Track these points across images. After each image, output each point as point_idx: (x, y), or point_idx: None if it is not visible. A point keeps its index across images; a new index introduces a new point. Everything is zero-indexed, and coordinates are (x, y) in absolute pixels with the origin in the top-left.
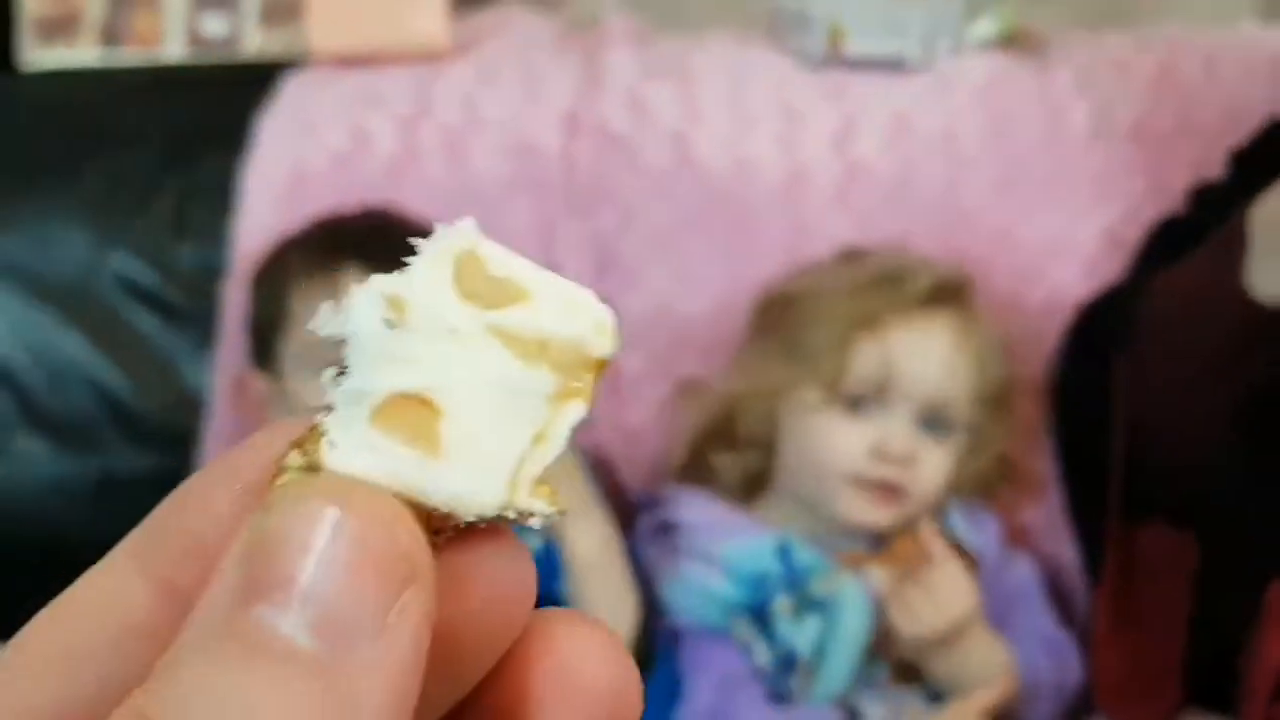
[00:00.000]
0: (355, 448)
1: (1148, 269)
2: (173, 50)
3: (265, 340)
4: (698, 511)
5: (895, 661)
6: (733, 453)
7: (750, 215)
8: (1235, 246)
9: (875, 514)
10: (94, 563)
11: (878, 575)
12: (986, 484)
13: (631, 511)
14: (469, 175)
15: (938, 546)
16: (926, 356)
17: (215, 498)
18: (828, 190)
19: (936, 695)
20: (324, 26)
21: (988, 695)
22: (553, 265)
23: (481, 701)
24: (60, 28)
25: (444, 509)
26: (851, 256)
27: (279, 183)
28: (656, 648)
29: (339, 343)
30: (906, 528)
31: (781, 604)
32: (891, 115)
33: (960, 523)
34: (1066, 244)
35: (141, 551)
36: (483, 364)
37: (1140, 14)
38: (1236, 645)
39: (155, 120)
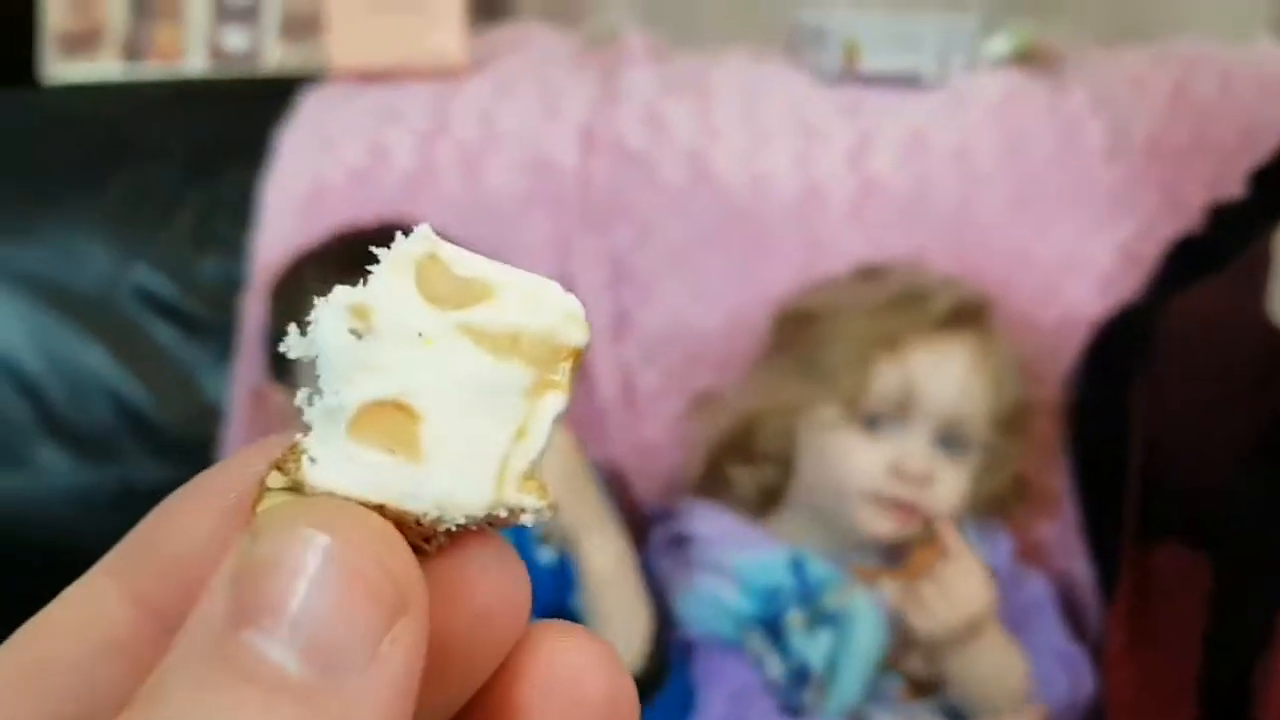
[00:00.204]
0: (336, 461)
1: (1165, 289)
2: (194, 64)
3: (283, 353)
4: (711, 524)
5: (909, 675)
6: (749, 467)
7: (766, 231)
8: (1258, 272)
9: (893, 527)
10: None
11: (891, 589)
12: (1001, 502)
13: (645, 525)
14: (486, 190)
15: (954, 542)
16: (946, 377)
17: (195, 517)
18: (843, 206)
19: (951, 710)
20: (344, 42)
21: None
22: (568, 280)
23: (477, 714)
24: (82, 42)
25: (432, 514)
26: (870, 274)
27: (298, 197)
28: (670, 660)
29: (310, 363)
30: (923, 540)
31: (794, 617)
32: (907, 132)
33: (974, 540)
34: (1081, 261)
35: (120, 569)
36: (455, 364)
37: (1156, 31)
38: (1251, 665)
39: (177, 134)
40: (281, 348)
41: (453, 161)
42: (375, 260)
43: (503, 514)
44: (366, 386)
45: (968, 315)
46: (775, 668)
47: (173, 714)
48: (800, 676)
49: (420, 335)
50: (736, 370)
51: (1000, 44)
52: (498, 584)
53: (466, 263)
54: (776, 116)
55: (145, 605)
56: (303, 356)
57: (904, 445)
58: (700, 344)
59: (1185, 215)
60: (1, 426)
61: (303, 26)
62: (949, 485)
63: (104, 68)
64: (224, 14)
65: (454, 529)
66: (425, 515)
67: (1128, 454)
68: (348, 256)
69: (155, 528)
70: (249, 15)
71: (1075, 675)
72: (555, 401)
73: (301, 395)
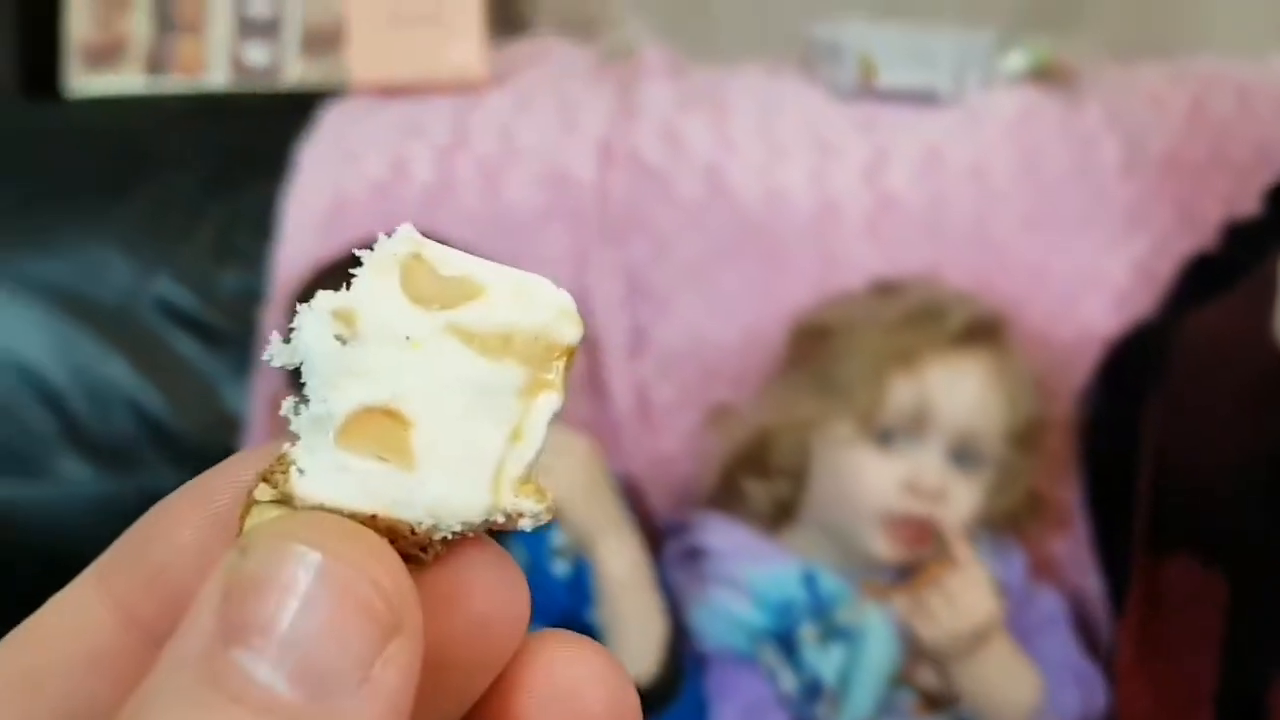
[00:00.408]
0: (325, 472)
1: (1180, 307)
2: (216, 79)
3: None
4: (725, 537)
5: (921, 689)
6: (764, 481)
7: (782, 246)
8: (1267, 294)
9: (903, 552)
10: None
11: (901, 603)
12: (1014, 518)
13: (659, 538)
14: (504, 204)
15: (964, 553)
16: (961, 393)
17: (181, 527)
18: (859, 222)
19: None
20: (364, 57)
21: None
22: (585, 293)
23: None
24: (106, 55)
25: (427, 522)
26: (885, 289)
27: (319, 210)
28: (685, 670)
29: (295, 372)
30: (935, 557)
31: (807, 631)
32: (923, 148)
33: (988, 556)
34: (1097, 277)
35: (106, 577)
36: (445, 367)
37: (1173, 48)
38: (1267, 680)
39: (198, 147)
40: (265, 357)
41: (472, 175)
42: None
43: (500, 519)
44: (354, 393)
45: (983, 331)
46: (788, 681)
47: None
48: (813, 690)
49: (408, 338)
50: (752, 384)
51: (1016, 60)
52: (496, 592)
53: (453, 261)
54: (792, 132)
55: (131, 615)
56: (286, 365)
57: (918, 461)
58: (716, 358)
59: (1201, 232)
60: (23, 436)
61: (323, 41)
62: (963, 501)
63: (127, 81)
64: (246, 29)
65: (450, 537)
66: (420, 524)
67: (1138, 469)
68: None
69: (142, 537)
70: (270, 30)
71: (1088, 690)
72: (550, 401)
73: (287, 405)
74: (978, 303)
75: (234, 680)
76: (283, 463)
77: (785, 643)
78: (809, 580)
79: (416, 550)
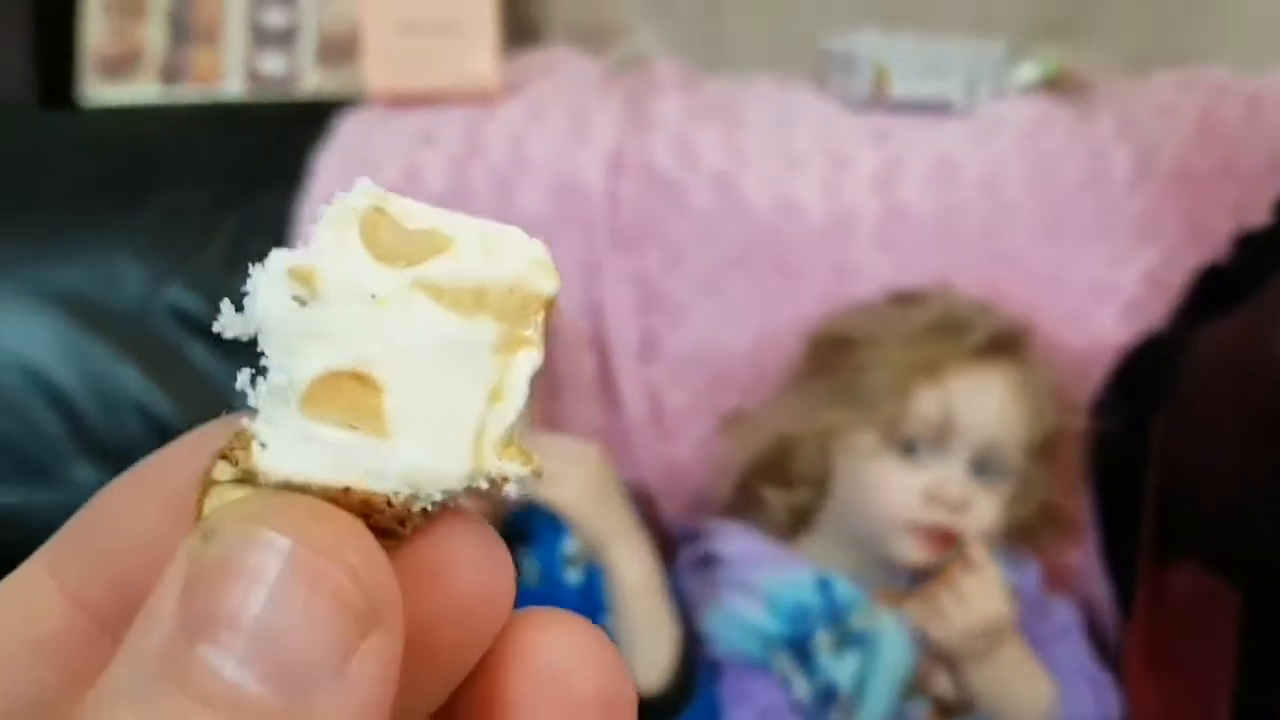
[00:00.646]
0: (290, 444)
1: (1191, 318)
2: (231, 88)
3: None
4: (739, 544)
5: (936, 698)
6: (782, 489)
7: (793, 255)
8: (1274, 310)
9: (927, 556)
10: None
11: (914, 609)
12: (1030, 529)
13: (671, 546)
14: (517, 213)
15: (979, 553)
16: (984, 405)
17: (132, 510)
18: (871, 231)
19: None
20: (379, 67)
21: None
22: (598, 300)
23: (463, 705)
24: (121, 65)
25: (405, 493)
26: (906, 300)
27: None
28: (698, 675)
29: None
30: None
31: (822, 638)
32: (935, 158)
33: (1003, 566)
34: (1108, 287)
35: (55, 562)
36: (415, 326)
37: (1184, 58)
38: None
39: (214, 156)
40: (215, 327)
41: (485, 184)
42: None
43: (483, 485)
44: (317, 358)
45: (1006, 344)
46: (802, 688)
47: None
48: (827, 697)
49: (373, 297)
50: (763, 392)
51: (1028, 71)
52: (478, 567)
53: (416, 214)
54: (805, 142)
55: (79, 600)
56: (240, 335)
57: (941, 472)
58: (728, 365)
59: (1211, 242)
60: (36, 442)
61: (338, 52)
62: (984, 512)
63: (142, 91)
64: (261, 38)
65: (430, 508)
66: (397, 495)
67: (1147, 478)
68: None
69: (91, 519)
70: (286, 40)
71: (1102, 697)
72: (529, 357)
73: (243, 376)
74: (1000, 315)
75: (199, 677)
76: (242, 438)
77: (799, 649)
78: (824, 587)
79: (394, 524)
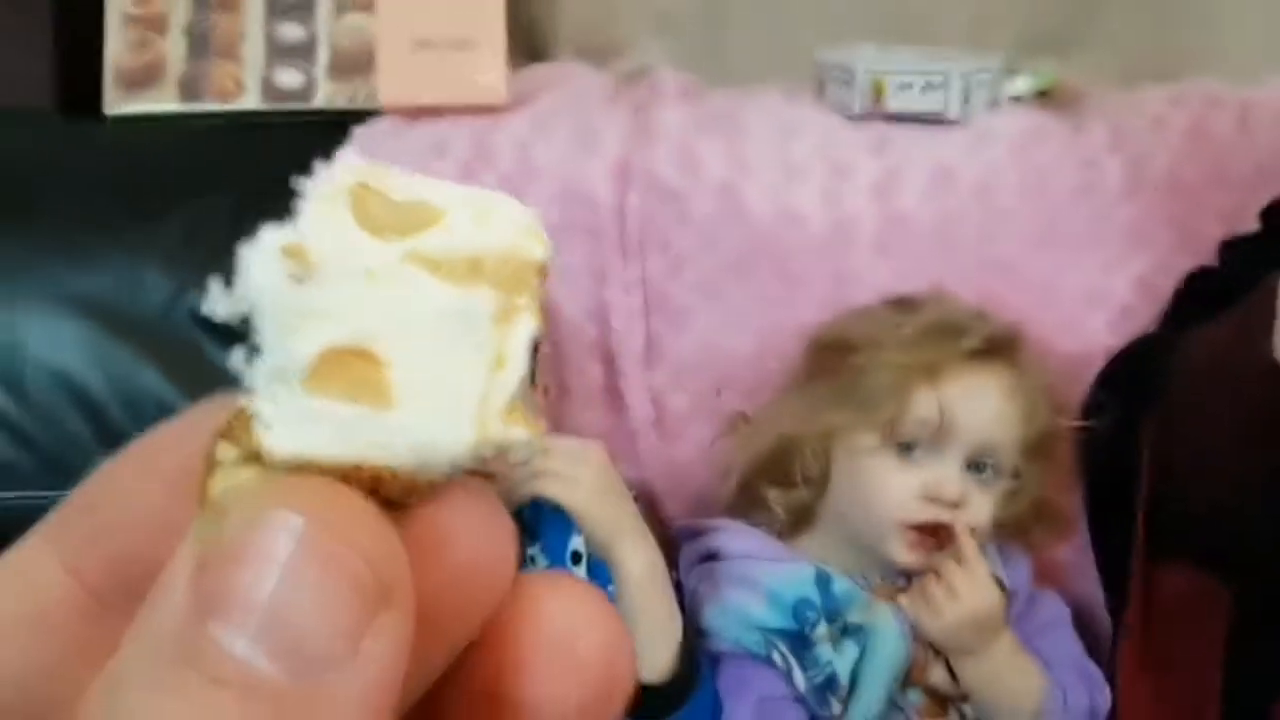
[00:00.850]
0: (294, 422)
1: (1178, 320)
2: (249, 103)
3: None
4: (740, 541)
5: (930, 690)
6: (784, 489)
7: (794, 262)
8: (1265, 313)
9: (920, 559)
10: None
11: (909, 601)
12: (1021, 526)
13: (673, 546)
14: None
15: (969, 548)
16: (980, 406)
17: (134, 487)
18: (869, 239)
19: None
20: (392, 81)
21: None
22: (604, 306)
23: (467, 672)
24: (143, 79)
25: (412, 465)
26: (904, 305)
27: None
28: (700, 667)
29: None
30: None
31: (821, 631)
32: (932, 168)
33: (996, 562)
34: (1100, 294)
35: (55, 537)
36: (412, 298)
37: (1175, 71)
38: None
39: (233, 166)
40: (204, 309)
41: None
42: None
43: (489, 453)
44: (317, 335)
45: (1001, 346)
46: (801, 680)
47: (127, 718)
48: (825, 688)
49: (368, 271)
50: (764, 395)
51: (1022, 84)
52: (482, 536)
53: (404, 186)
54: (805, 152)
55: (79, 577)
56: (231, 316)
57: (938, 471)
58: (730, 369)
59: (1202, 250)
60: (64, 444)
61: (352, 66)
62: (979, 509)
63: (163, 104)
64: (278, 53)
65: (436, 479)
66: (404, 467)
67: (1137, 480)
68: None
69: (91, 497)
70: (302, 54)
71: (1093, 687)
72: (526, 325)
73: (238, 355)
74: (995, 318)
75: (211, 657)
76: (242, 418)
77: (798, 642)
78: (822, 581)
79: (400, 496)
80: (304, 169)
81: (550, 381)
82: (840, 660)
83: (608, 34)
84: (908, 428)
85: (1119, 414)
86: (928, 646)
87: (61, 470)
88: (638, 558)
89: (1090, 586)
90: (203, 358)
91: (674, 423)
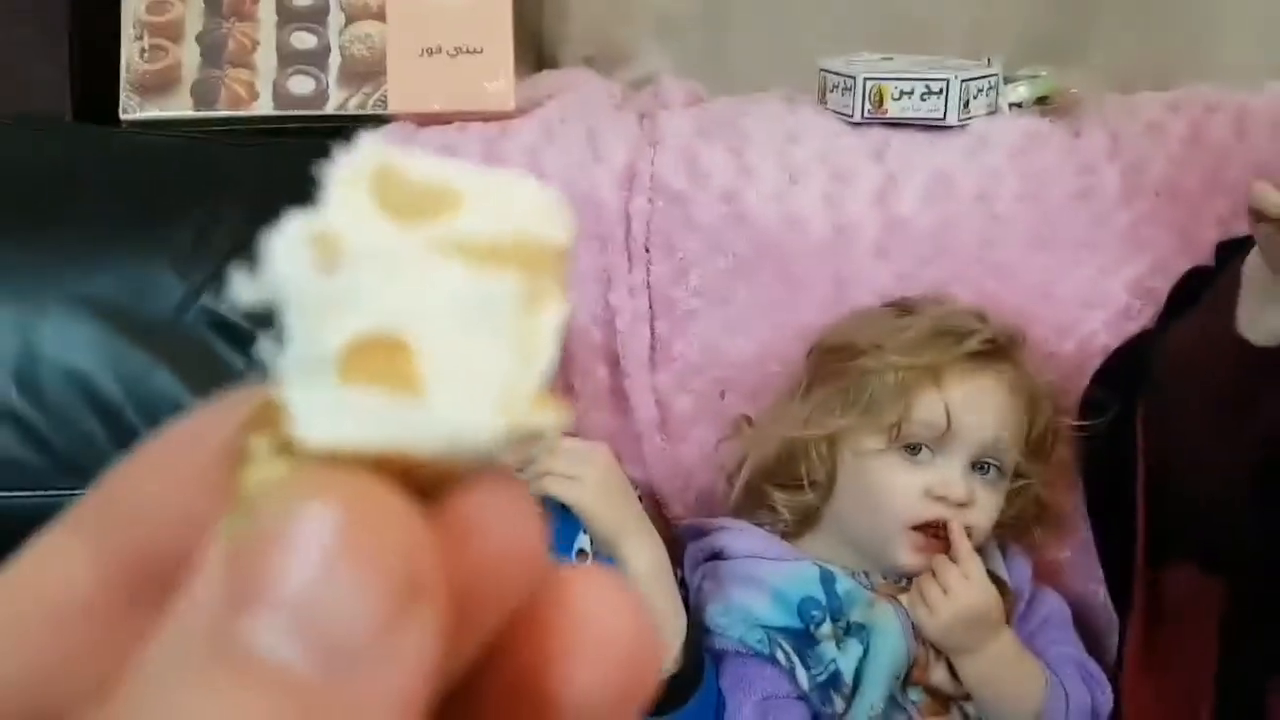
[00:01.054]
0: (325, 413)
1: (1174, 319)
2: (262, 109)
3: None
4: (744, 541)
5: (931, 689)
6: (790, 491)
7: (796, 266)
8: (1232, 293)
9: (923, 561)
10: None
11: (908, 600)
12: (1022, 525)
13: (677, 547)
14: None
15: (964, 547)
16: (984, 407)
17: (157, 479)
18: (870, 244)
19: None
20: (402, 88)
21: None
22: (610, 309)
23: (495, 660)
24: (158, 87)
25: (442, 453)
26: (905, 308)
27: None
28: (704, 663)
29: (267, 309)
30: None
31: (824, 629)
32: (931, 173)
33: (998, 562)
34: (1098, 297)
35: (80, 529)
36: (438, 284)
37: (1172, 78)
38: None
39: (246, 171)
40: (224, 305)
41: None
42: None
43: (520, 439)
44: (346, 324)
45: (1004, 347)
46: (804, 678)
47: (159, 715)
48: (829, 686)
49: (394, 257)
50: (767, 397)
51: (1021, 90)
52: (513, 525)
53: (424, 170)
54: (807, 158)
55: (104, 570)
56: (255, 305)
57: (943, 472)
58: (733, 371)
59: (1199, 254)
60: (79, 444)
61: (363, 74)
62: (984, 509)
63: (178, 111)
64: (290, 61)
65: (466, 468)
66: (434, 456)
67: (1134, 476)
68: None
69: (116, 488)
70: (314, 62)
71: (1094, 685)
72: (554, 309)
73: (265, 345)
74: (996, 320)
75: (243, 654)
76: (272, 408)
77: (802, 640)
78: (827, 580)
79: (431, 485)
80: (315, 174)
81: (558, 383)
82: (844, 658)
83: (614, 42)
84: (913, 430)
85: (1116, 410)
86: (929, 646)
87: (76, 470)
88: (643, 555)
89: (1090, 586)
90: (215, 359)
91: (678, 424)
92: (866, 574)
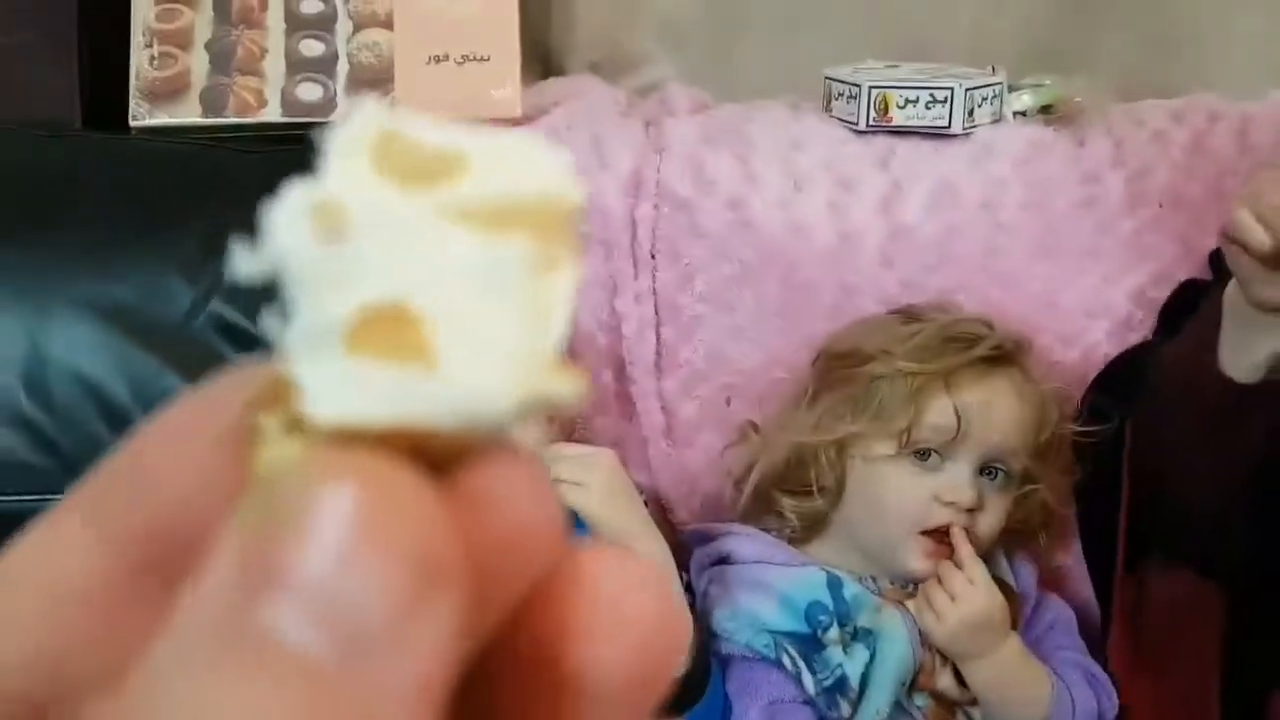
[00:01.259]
0: (335, 387)
1: (1169, 329)
2: (270, 116)
3: None
4: (751, 546)
5: (938, 695)
6: (799, 497)
7: (802, 273)
8: (1214, 329)
9: (931, 567)
10: None
11: (915, 606)
12: (1028, 531)
13: (683, 553)
14: None
15: (966, 552)
16: (995, 411)
17: (165, 457)
18: (874, 251)
19: None
20: (408, 94)
21: None
22: (616, 315)
23: (512, 637)
24: (167, 94)
25: (457, 425)
26: (912, 314)
27: None
28: (710, 667)
29: (267, 281)
30: None
31: (832, 634)
32: (936, 182)
33: (1004, 567)
34: (1101, 306)
35: (88, 508)
36: (447, 251)
37: (1176, 87)
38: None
39: (255, 177)
40: (228, 274)
41: None
42: None
43: (535, 407)
44: (353, 295)
45: (1012, 352)
46: (810, 683)
47: (174, 704)
48: (836, 691)
49: (401, 224)
50: (772, 403)
51: (1026, 99)
52: (529, 498)
53: (428, 134)
54: (812, 165)
55: (112, 548)
56: (257, 275)
57: (952, 477)
58: (738, 377)
59: (1201, 263)
60: (87, 448)
61: (370, 81)
62: (992, 514)
63: (187, 118)
64: (298, 68)
65: (480, 440)
66: (448, 428)
67: (1119, 484)
68: None
69: (124, 467)
70: (322, 69)
71: (1099, 691)
72: (567, 274)
73: (269, 319)
74: (1002, 326)
75: (260, 640)
76: (279, 385)
77: (808, 645)
78: (834, 585)
79: (445, 459)
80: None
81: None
82: (850, 664)
83: (620, 49)
84: (923, 434)
85: (1108, 420)
86: (936, 652)
87: (84, 474)
88: (648, 555)
89: (1091, 592)
90: (223, 364)
91: (684, 430)
92: (874, 579)
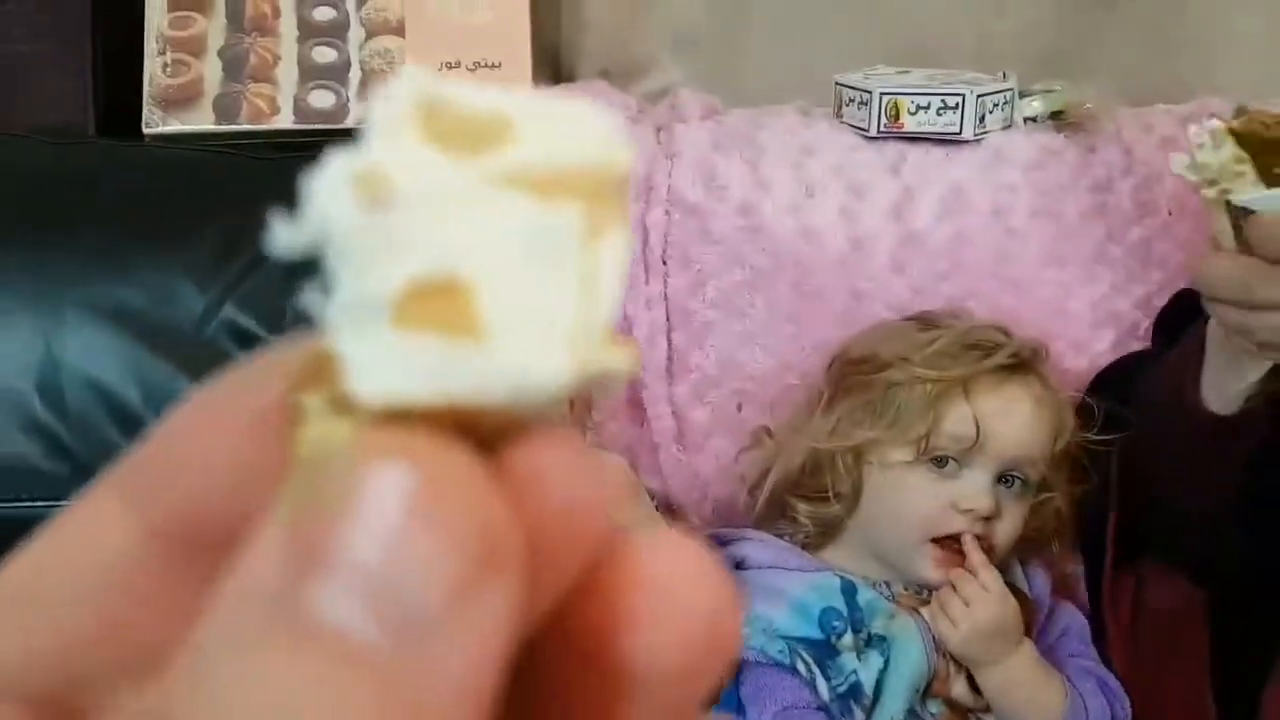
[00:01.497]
0: (382, 363)
1: (1165, 338)
2: (283, 123)
3: None
4: (763, 551)
5: (951, 702)
6: (814, 503)
7: (813, 279)
8: (1195, 363)
9: (944, 576)
10: None
11: (929, 613)
12: (1043, 539)
13: None
14: None
15: (977, 558)
16: (1014, 419)
17: (204, 436)
18: (885, 257)
19: None
20: None
21: None
22: (627, 320)
23: (562, 621)
24: (180, 101)
25: (507, 400)
26: (927, 321)
27: None
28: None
29: (309, 254)
30: None
31: (846, 640)
32: (947, 188)
33: (1018, 574)
34: (1109, 314)
35: (126, 487)
36: (495, 220)
37: (1185, 93)
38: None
39: (267, 183)
40: (266, 248)
41: None
42: None
43: (587, 381)
44: (399, 267)
45: (1029, 361)
46: (825, 689)
47: (220, 689)
48: (849, 697)
49: (447, 193)
50: (783, 409)
51: (1036, 105)
52: (578, 478)
53: (473, 100)
54: (823, 171)
55: (151, 527)
56: (298, 249)
57: (969, 485)
58: (750, 384)
59: None
60: (101, 453)
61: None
62: (1009, 522)
63: (199, 125)
64: (311, 75)
65: (529, 417)
66: (501, 403)
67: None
68: None
69: (162, 446)
70: (334, 76)
71: (1114, 701)
72: (618, 241)
73: (309, 296)
74: (1019, 334)
75: (309, 623)
76: (324, 361)
77: (823, 651)
78: (848, 591)
79: (493, 436)
80: None
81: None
82: (864, 670)
83: (630, 55)
84: (942, 442)
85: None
86: (950, 658)
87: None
88: None
89: None
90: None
91: (695, 435)
92: (888, 585)
